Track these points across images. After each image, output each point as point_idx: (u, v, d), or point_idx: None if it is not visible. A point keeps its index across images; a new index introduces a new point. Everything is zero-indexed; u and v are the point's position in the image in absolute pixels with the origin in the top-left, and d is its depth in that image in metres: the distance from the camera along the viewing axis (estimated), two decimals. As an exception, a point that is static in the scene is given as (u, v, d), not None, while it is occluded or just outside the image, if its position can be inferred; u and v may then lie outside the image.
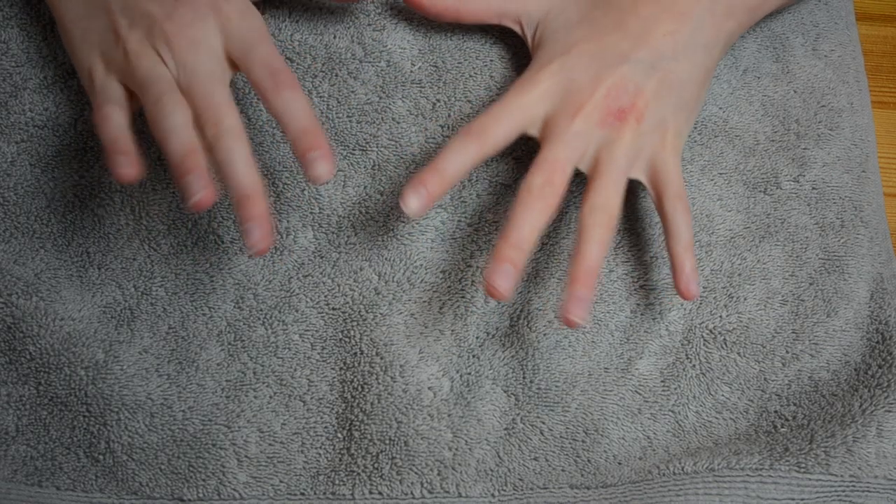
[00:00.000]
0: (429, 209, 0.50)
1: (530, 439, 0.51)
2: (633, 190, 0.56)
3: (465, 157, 0.50)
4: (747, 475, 0.49)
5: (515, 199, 0.49)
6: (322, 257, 0.54)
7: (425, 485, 0.50)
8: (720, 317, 0.54)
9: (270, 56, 0.49)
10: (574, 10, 0.54)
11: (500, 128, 0.51)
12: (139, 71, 0.48)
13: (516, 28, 0.56)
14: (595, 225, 0.49)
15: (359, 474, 0.50)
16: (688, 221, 0.51)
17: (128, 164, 0.46)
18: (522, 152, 0.56)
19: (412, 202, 0.48)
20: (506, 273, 0.47)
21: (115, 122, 0.48)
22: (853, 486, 0.49)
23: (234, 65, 0.50)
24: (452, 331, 0.53)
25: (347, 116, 0.56)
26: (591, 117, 0.51)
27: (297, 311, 0.53)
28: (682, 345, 0.54)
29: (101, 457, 0.51)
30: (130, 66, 0.49)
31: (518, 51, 0.58)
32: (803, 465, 0.49)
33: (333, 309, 0.53)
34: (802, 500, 0.49)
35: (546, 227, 0.50)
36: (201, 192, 0.45)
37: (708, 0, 0.53)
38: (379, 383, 0.52)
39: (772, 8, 0.57)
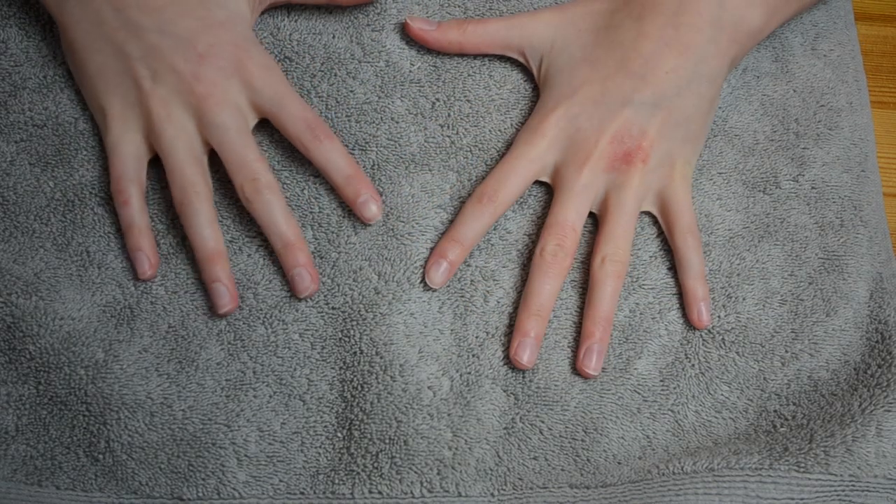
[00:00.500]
0: (450, 278, 0.54)
1: (530, 438, 0.51)
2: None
3: (480, 222, 0.53)
4: (747, 475, 0.49)
5: (531, 265, 0.53)
6: (322, 257, 0.54)
7: (425, 484, 0.50)
8: (719, 316, 0.54)
9: (303, 110, 0.53)
10: (577, 46, 0.55)
11: (512, 187, 0.53)
12: (165, 136, 0.52)
13: (520, 59, 0.57)
14: (607, 276, 0.53)
15: (358, 473, 0.50)
16: (699, 253, 0.53)
17: (148, 265, 0.53)
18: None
19: (436, 276, 0.53)
20: (529, 346, 0.52)
21: (135, 207, 0.53)
22: (853, 485, 0.49)
23: (257, 115, 0.53)
24: (452, 330, 0.53)
25: (346, 116, 0.56)
26: (597, 166, 0.53)
27: (296, 310, 0.53)
28: (681, 344, 0.54)
29: (100, 456, 0.51)
30: (155, 127, 0.52)
31: (518, 50, 0.58)
32: (803, 465, 0.49)
33: (333, 308, 0.53)
34: (802, 499, 0.49)
35: (559, 291, 0.53)
36: (229, 305, 0.52)
37: (711, 30, 0.53)
38: (379, 382, 0.52)
39: (775, 27, 0.57)
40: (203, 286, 0.53)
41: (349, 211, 0.55)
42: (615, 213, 0.53)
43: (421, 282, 0.54)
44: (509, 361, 0.53)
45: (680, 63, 0.53)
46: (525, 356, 0.52)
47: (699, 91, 0.54)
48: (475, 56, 0.57)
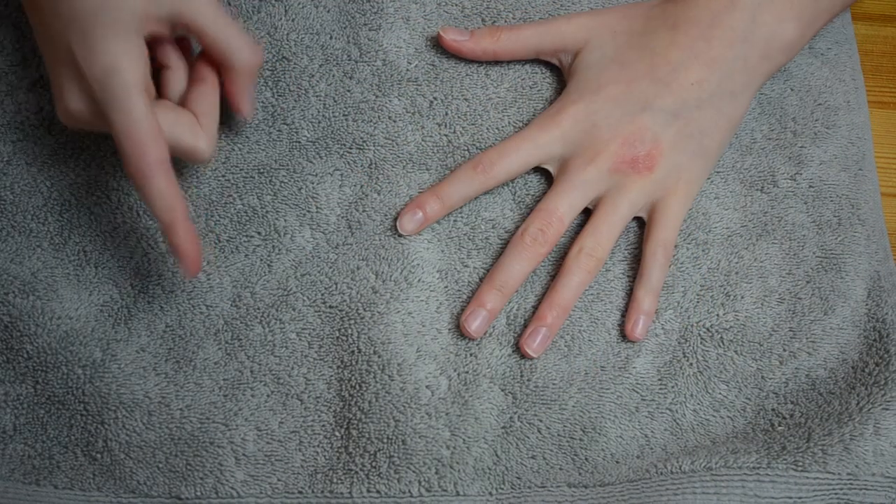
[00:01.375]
0: (420, 231, 0.54)
1: (528, 438, 0.52)
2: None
3: (468, 188, 0.54)
4: (745, 474, 0.49)
5: (509, 243, 0.54)
6: (319, 256, 0.54)
7: (423, 483, 0.50)
8: (717, 315, 0.54)
9: None
10: (611, 46, 0.55)
11: (510, 164, 0.54)
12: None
13: (554, 61, 0.57)
14: (578, 268, 0.53)
15: (357, 473, 0.51)
16: (663, 271, 0.54)
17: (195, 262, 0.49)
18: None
19: (408, 224, 0.54)
20: (482, 316, 0.52)
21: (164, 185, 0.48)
22: (850, 483, 0.49)
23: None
24: (450, 329, 0.53)
25: (344, 115, 0.56)
26: (604, 165, 0.53)
27: (294, 309, 0.53)
28: (678, 343, 0.54)
29: (98, 455, 0.51)
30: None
31: (515, 49, 0.58)
32: (801, 464, 0.49)
33: (331, 307, 0.53)
34: (800, 498, 0.49)
35: (529, 275, 0.53)
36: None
37: (741, 46, 0.54)
38: (377, 381, 0.52)
39: (809, 39, 0.57)
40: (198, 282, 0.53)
41: (347, 210, 0.55)
42: (606, 212, 0.53)
43: (419, 281, 0.54)
44: (508, 361, 0.53)
45: (705, 76, 0.53)
46: (474, 325, 0.52)
47: (720, 107, 0.54)
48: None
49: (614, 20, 0.56)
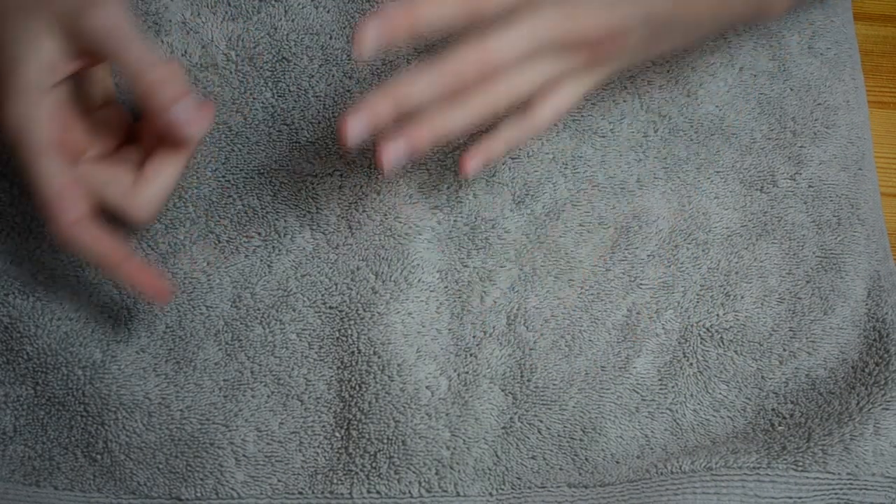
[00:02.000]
0: (378, 51, 0.43)
1: (528, 438, 0.52)
2: (629, 187, 0.56)
3: (447, 8, 0.44)
4: (745, 474, 0.49)
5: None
6: (319, 257, 0.54)
7: (423, 484, 0.50)
8: (717, 315, 0.54)
9: None
10: None
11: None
12: None
13: None
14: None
15: (357, 473, 0.51)
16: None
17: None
18: (520, 151, 0.56)
19: (369, 35, 0.42)
20: (363, 120, 0.44)
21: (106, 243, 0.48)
22: (850, 483, 0.49)
23: None
24: (450, 330, 0.53)
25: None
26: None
27: (294, 310, 0.53)
28: (678, 343, 0.54)
29: (98, 456, 0.51)
30: None
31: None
32: (801, 464, 0.49)
33: (331, 308, 0.53)
34: (800, 498, 0.49)
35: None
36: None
37: None
38: (377, 382, 0.52)
39: (790, 6, 0.55)
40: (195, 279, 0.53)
41: (347, 210, 0.55)
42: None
43: (419, 281, 0.54)
44: (508, 361, 0.53)
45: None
46: (355, 128, 0.44)
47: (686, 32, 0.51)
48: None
49: None
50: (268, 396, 0.52)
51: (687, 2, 0.49)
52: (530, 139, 0.50)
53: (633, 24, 0.47)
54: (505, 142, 0.49)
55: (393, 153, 0.45)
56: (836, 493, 0.49)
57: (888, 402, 0.51)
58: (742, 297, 0.55)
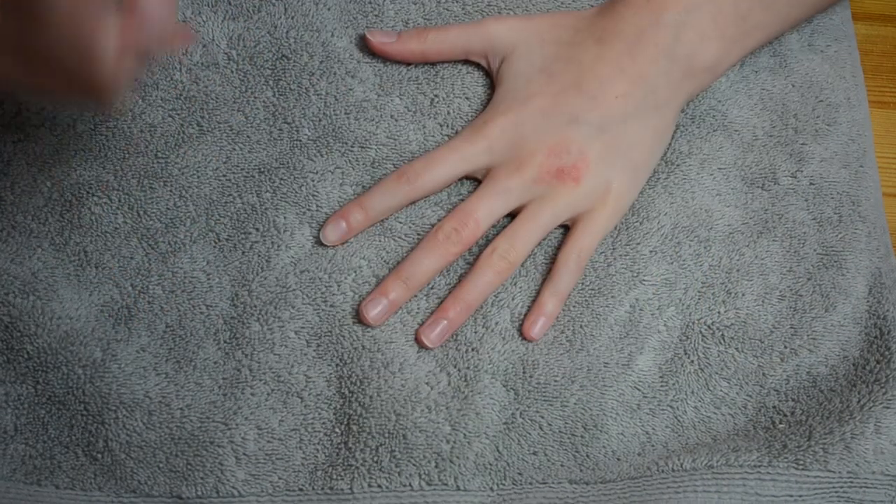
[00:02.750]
0: (345, 241, 0.54)
1: (529, 434, 0.51)
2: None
3: (392, 199, 0.54)
4: (746, 472, 0.49)
5: (422, 240, 0.53)
6: (318, 253, 0.54)
7: (423, 476, 0.50)
8: (718, 312, 0.54)
9: None
10: (539, 55, 0.55)
11: (437, 176, 0.54)
12: None
13: (483, 62, 0.57)
14: (489, 268, 0.53)
15: (357, 468, 0.50)
16: (572, 280, 0.53)
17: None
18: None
19: (330, 234, 0.53)
20: (382, 305, 0.52)
21: None
22: (851, 482, 0.49)
23: None
24: (450, 328, 0.53)
25: (346, 114, 0.56)
26: (528, 175, 0.53)
27: (293, 307, 0.53)
28: (680, 340, 0.54)
29: (99, 455, 0.51)
30: None
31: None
32: (801, 462, 0.49)
33: (331, 306, 0.53)
34: (800, 496, 0.49)
35: (438, 273, 0.53)
36: None
37: (665, 62, 0.54)
38: (379, 377, 0.52)
39: (735, 61, 0.57)
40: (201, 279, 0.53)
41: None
42: (526, 218, 0.53)
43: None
44: (510, 357, 0.53)
45: (630, 90, 0.53)
46: (373, 312, 0.52)
47: (645, 121, 0.54)
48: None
49: (544, 27, 0.56)
50: (267, 394, 0.52)
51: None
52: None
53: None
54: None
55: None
56: (836, 492, 0.49)
57: (889, 400, 0.51)
58: (743, 295, 0.55)
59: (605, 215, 0.54)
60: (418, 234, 0.54)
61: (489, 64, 0.57)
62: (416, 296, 0.53)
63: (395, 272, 0.52)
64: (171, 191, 0.55)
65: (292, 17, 0.57)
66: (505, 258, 0.52)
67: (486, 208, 0.53)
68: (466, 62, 0.57)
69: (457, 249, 0.53)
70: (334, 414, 0.52)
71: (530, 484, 0.51)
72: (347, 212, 0.53)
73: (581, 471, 0.51)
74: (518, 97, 0.54)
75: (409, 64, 0.57)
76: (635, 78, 0.54)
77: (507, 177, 0.53)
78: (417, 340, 0.52)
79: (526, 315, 0.53)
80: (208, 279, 0.53)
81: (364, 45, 0.57)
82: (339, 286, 0.53)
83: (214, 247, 0.54)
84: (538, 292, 0.54)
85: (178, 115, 0.56)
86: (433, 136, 0.56)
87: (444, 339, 0.52)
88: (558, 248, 0.55)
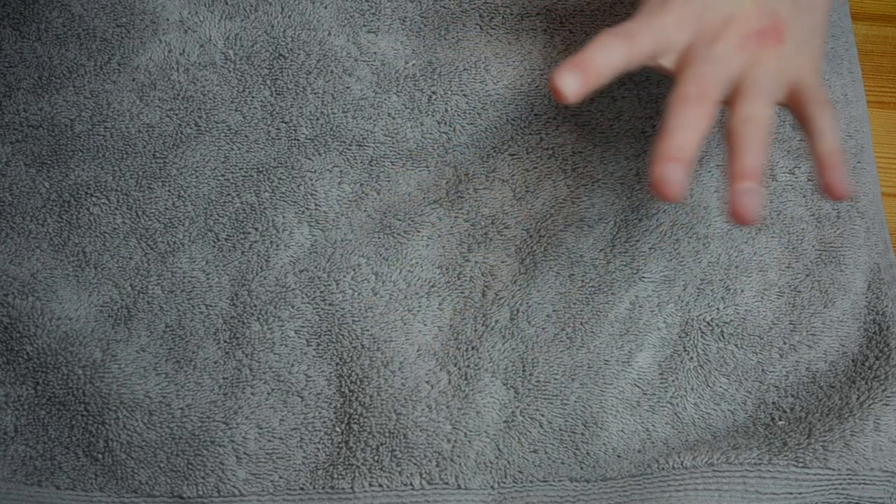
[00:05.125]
0: (580, 97, 0.45)
1: (530, 432, 0.52)
2: (629, 181, 0.56)
3: (612, 53, 0.46)
4: (746, 470, 0.49)
5: (669, 111, 0.46)
6: (318, 253, 0.54)
7: (424, 475, 0.50)
8: (717, 309, 0.54)
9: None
10: None
11: (646, 36, 0.47)
12: None
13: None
14: (749, 135, 0.46)
15: (358, 467, 0.51)
16: (834, 126, 0.47)
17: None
18: (519, 147, 0.56)
19: (569, 82, 0.44)
20: (675, 169, 0.43)
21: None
22: (850, 479, 0.49)
23: None
24: (451, 326, 0.53)
25: (343, 112, 0.56)
26: (730, 42, 0.48)
27: (292, 306, 0.53)
28: (679, 337, 0.54)
29: (100, 456, 0.51)
30: None
31: (513, 47, 0.58)
32: (801, 460, 0.49)
33: (330, 305, 0.53)
34: (800, 493, 0.49)
35: (704, 139, 0.47)
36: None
37: None
38: (379, 377, 0.52)
39: None
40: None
41: (346, 207, 0.55)
42: (753, 87, 0.47)
43: (419, 278, 0.54)
44: (510, 355, 0.53)
45: None
46: (673, 176, 0.43)
47: None
48: (471, 53, 0.57)
49: None
50: (268, 394, 0.52)
51: None
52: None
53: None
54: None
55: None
56: (835, 489, 0.49)
57: (888, 397, 0.51)
58: (742, 291, 0.55)
59: (813, 75, 0.49)
60: (417, 233, 0.54)
61: None
62: (418, 294, 0.53)
63: (666, 141, 0.44)
64: (169, 191, 0.55)
65: (289, 17, 0.57)
66: (757, 123, 0.46)
67: (713, 72, 0.47)
68: (464, 58, 0.57)
69: (713, 111, 0.46)
70: (335, 413, 0.52)
71: (531, 482, 0.51)
72: (576, 62, 0.44)
73: (581, 468, 0.51)
74: None
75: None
76: None
77: (709, 46, 0.47)
78: (736, 216, 0.44)
79: (822, 177, 0.46)
80: (207, 279, 0.54)
81: (361, 47, 0.57)
82: (337, 284, 0.53)
83: (213, 246, 0.54)
84: (816, 155, 0.46)
85: (176, 115, 0.56)
86: (431, 133, 0.56)
87: (760, 205, 0.44)
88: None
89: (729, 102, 0.47)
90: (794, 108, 0.48)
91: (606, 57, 0.45)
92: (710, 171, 0.57)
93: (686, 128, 0.44)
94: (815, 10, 0.50)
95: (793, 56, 0.48)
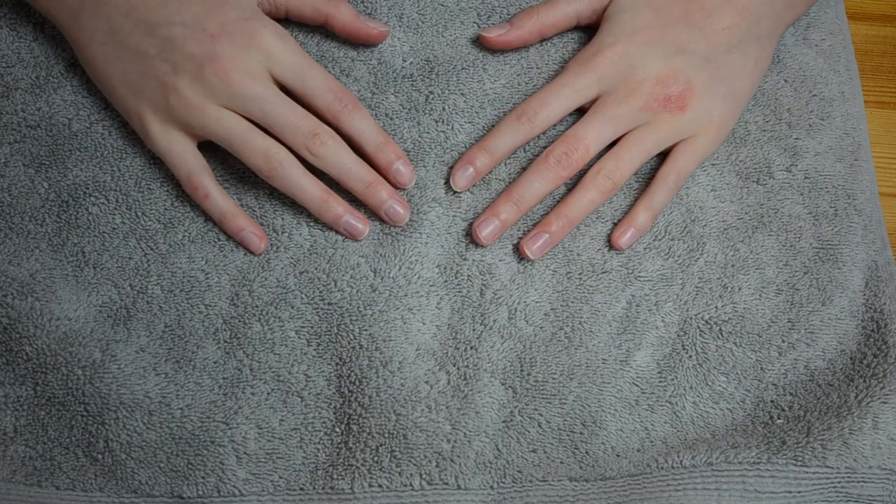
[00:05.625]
0: (473, 185, 0.55)
1: (528, 431, 0.52)
2: (626, 182, 0.56)
3: (514, 138, 0.54)
4: (745, 469, 0.49)
5: (531, 165, 0.54)
6: (317, 253, 0.54)
7: (424, 476, 0.50)
8: (715, 307, 0.54)
9: (327, 79, 0.53)
10: None
11: (552, 111, 0.55)
12: (209, 125, 0.52)
13: (593, 18, 0.57)
14: (594, 186, 0.54)
15: (358, 468, 0.51)
16: (668, 195, 0.55)
17: (258, 240, 0.54)
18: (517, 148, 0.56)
19: (460, 180, 0.54)
20: (492, 225, 0.53)
21: (217, 197, 0.54)
22: (849, 477, 0.50)
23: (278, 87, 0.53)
24: (449, 325, 0.53)
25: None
26: (636, 102, 0.54)
27: (292, 307, 0.53)
28: (678, 336, 0.54)
29: (99, 456, 0.51)
30: (195, 120, 0.52)
31: (510, 44, 0.58)
32: (800, 459, 0.49)
33: (329, 304, 0.53)
34: (799, 492, 0.49)
35: (547, 195, 0.54)
36: (365, 231, 0.54)
37: None
38: (378, 377, 0.52)
39: None
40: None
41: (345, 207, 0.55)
42: (631, 142, 0.54)
43: (419, 277, 0.54)
44: (508, 355, 0.53)
45: (736, 21, 0.55)
46: (485, 231, 0.53)
47: (747, 51, 0.55)
48: (468, 51, 0.57)
49: None
50: (268, 394, 0.52)
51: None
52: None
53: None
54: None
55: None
56: (834, 487, 0.50)
57: (886, 395, 0.51)
58: (740, 289, 0.55)
59: (706, 141, 0.55)
60: (416, 231, 0.54)
61: (596, 18, 0.57)
62: (417, 293, 0.53)
63: (506, 194, 0.54)
64: (168, 191, 0.55)
65: (286, 17, 0.57)
66: (610, 178, 0.54)
67: (595, 133, 0.54)
68: (463, 58, 0.57)
69: (566, 173, 0.53)
70: (334, 413, 0.52)
71: (530, 482, 0.51)
72: (472, 156, 0.54)
73: (581, 468, 0.51)
74: (625, 31, 0.55)
75: (516, 49, 0.58)
76: (741, 9, 0.55)
77: (616, 105, 0.54)
78: (520, 251, 0.54)
79: (616, 225, 0.55)
80: (207, 278, 0.53)
81: (358, 46, 0.57)
82: (336, 284, 0.53)
83: (213, 246, 0.54)
84: (631, 206, 0.55)
85: (175, 115, 0.56)
86: (428, 132, 0.56)
87: (544, 252, 0.54)
88: (651, 175, 0.56)
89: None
90: (663, 160, 0.56)
91: (508, 143, 0.55)
92: (705, 170, 0.57)
93: (532, 186, 0.54)
94: (734, 79, 0.55)
95: (695, 122, 0.55)
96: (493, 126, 0.56)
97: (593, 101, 0.55)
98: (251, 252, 0.53)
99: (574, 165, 0.53)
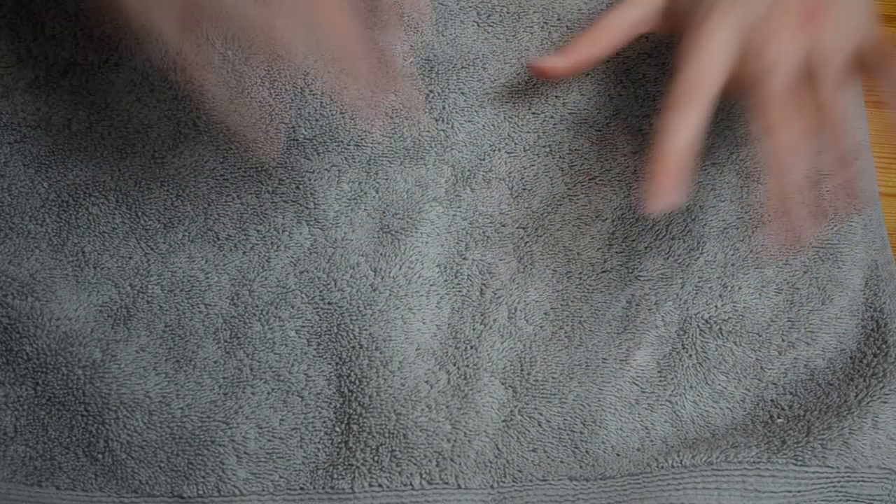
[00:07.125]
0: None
1: (528, 431, 0.52)
2: (626, 179, 0.56)
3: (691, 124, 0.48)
4: (745, 468, 0.50)
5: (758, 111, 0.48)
6: (317, 253, 0.54)
7: (424, 475, 0.51)
8: (715, 306, 0.55)
9: None
10: None
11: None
12: None
13: (656, 27, 0.53)
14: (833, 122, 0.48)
15: (358, 468, 0.51)
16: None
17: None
18: (517, 145, 0.56)
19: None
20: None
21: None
22: (848, 476, 0.50)
23: None
24: (450, 325, 0.53)
25: (341, 113, 0.56)
26: (784, 34, 0.48)
27: (292, 306, 0.53)
28: (678, 335, 0.54)
29: (100, 456, 0.51)
30: None
31: (510, 45, 0.58)
32: (800, 458, 0.49)
33: (329, 304, 0.53)
34: (799, 491, 0.49)
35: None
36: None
37: None
38: (378, 377, 0.52)
39: None
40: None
41: (345, 206, 0.55)
42: (821, 72, 0.48)
43: (419, 277, 0.54)
44: (508, 354, 0.53)
45: None
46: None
47: None
48: (469, 50, 0.57)
49: None
50: (268, 393, 0.52)
51: None
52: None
53: None
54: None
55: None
56: (834, 486, 0.50)
57: (886, 395, 0.51)
58: (740, 288, 0.55)
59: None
60: (416, 231, 0.54)
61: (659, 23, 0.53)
62: (417, 292, 0.53)
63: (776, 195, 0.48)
64: (168, 191, 0.55)
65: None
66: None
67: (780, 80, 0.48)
68: (462, 55, 0.57)
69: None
70: (334, 413, 0.52)
71: (530, 481, 0.51)
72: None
73: (581, 467, 0.51)
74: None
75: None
76: None
77: (763, 50, 0.48)
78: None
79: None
80: (207, 278, 0.54)
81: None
82: (336, 283, 0.53)
83: (213, 245, 0.54)
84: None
85: (174, 115, 0.56)
86: (429, 131, 0.56)
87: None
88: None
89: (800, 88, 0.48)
90: (862, 65, 0.49)
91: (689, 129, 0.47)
92: (704, 169, 0.57)
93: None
94: None
95: (845, 19, 0.48)
96: (493, 125, 0.56)
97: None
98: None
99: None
